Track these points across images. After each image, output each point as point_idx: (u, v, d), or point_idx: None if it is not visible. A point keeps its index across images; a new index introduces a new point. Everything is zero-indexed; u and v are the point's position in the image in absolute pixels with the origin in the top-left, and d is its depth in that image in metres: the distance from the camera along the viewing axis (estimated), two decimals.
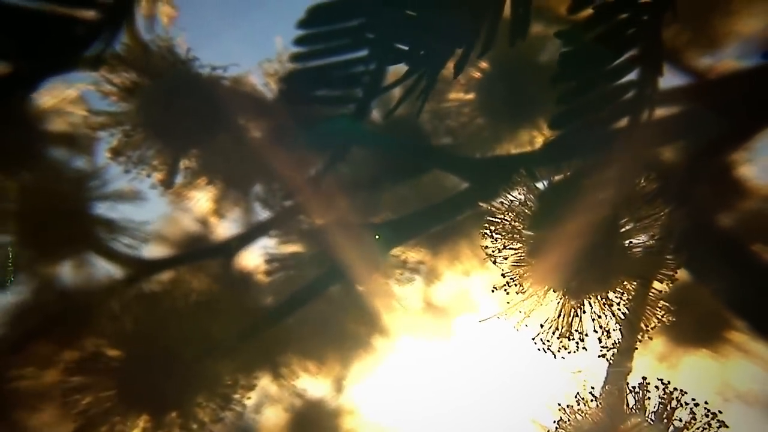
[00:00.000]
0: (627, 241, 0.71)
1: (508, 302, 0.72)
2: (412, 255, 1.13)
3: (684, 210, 0.79)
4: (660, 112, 0.99)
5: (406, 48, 0.57)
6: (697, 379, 1.16)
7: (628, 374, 0.71)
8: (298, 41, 0.58)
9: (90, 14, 0.54)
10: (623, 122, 0.72)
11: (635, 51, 0.68)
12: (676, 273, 0.70)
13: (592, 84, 0.69)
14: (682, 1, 0.70)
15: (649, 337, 0.72)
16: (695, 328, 1.16)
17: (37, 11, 0.49)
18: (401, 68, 0.61)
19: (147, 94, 0.89)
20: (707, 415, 0.63)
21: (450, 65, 0.64)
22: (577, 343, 0.71)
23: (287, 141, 0.91)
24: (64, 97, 0.91)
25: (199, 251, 1.10)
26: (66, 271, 0.98)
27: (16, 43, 0.49)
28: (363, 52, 0.58)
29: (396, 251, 1.06)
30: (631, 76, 0.70)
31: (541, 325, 0.72)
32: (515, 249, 0.72)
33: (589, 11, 0.67)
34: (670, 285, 0.70)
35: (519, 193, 0.72)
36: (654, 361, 1.17)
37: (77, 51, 0.53)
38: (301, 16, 0.56)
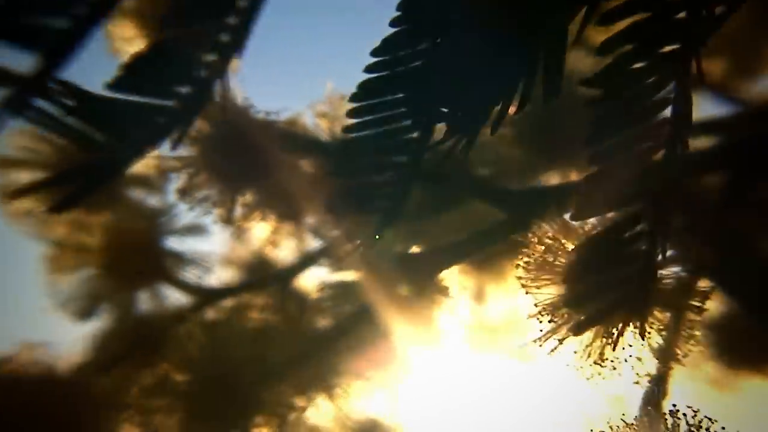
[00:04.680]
0: (659, 272, 0.72)
1: (541, 330, 0.75)
2: (456, 278, 1.18)
3: (719, 240, 0.79)
4: (703, 141, 0.99)
5: (446, 110, 0.59)
6: (753, 405, 1.13)
7: (663, 399, 0.73)
8: (350, 114, 0.60)
9: (170, 104, 0.59)
10: (659, 155, 0.72)
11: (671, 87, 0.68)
12: (706, 304, 0.71)
13: (628, 120, 0.69)
14: (724, 27, 0.70)
15: (682, 364, 0.73)
16: (749, 352, 1.14)
17: (123, 102, 0.56)
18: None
19: (209, 141, 0.99)
20: None
21: None
22: (610, 369, 0.74)
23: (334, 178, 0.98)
24: None
25: (256, 280, 1.19)
26: (142, 300, 1.09)
27: (104, 133, 0.55)
28: (408, 122, 0.61)
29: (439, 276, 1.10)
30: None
31: (575, 352, 0.75)
32: (547, 280, 0.75)
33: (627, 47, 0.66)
34: (701, 315, 0.71)
35: (550, 227, 0.76)
36: (706, 387, 1.15)
37: (159, 137, 0.59)
38: (354, 90, 0.59)
